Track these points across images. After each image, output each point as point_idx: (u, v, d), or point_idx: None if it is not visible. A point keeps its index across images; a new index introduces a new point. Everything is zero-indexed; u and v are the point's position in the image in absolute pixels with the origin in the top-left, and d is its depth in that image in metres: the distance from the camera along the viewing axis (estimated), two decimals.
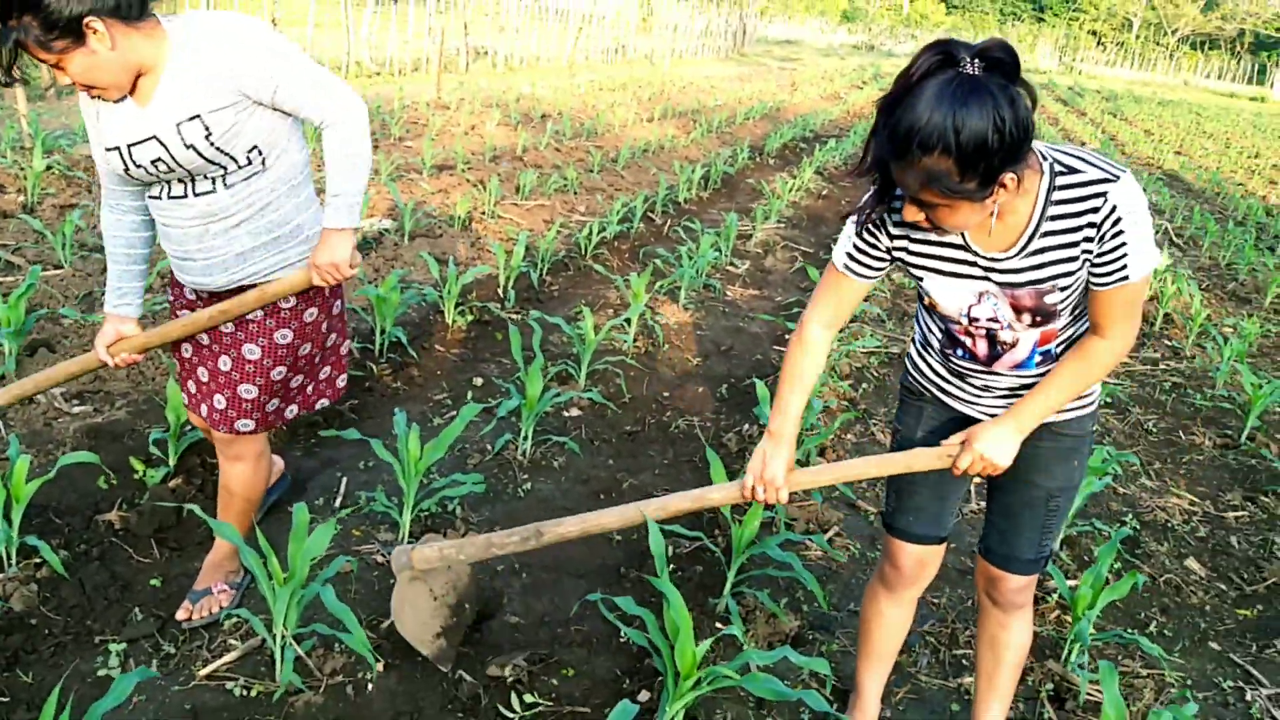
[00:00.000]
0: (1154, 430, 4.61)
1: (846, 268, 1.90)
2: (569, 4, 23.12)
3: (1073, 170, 1.68)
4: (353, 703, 2.25)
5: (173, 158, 2.08)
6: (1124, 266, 1.67)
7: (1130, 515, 3.68)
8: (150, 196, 2.23)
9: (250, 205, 2.20)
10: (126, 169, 2.13)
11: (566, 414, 3.95)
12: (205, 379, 2.38)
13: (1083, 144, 16.68)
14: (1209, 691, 2.73)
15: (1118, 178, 1.65)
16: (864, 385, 4.66)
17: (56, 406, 3.43)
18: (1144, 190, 10.74)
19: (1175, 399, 5.06)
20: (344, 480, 3.24)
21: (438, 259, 5.49)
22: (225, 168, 2.13)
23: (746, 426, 4.01)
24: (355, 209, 2.20)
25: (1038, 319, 1.78)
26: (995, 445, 1.84)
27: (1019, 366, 1.87)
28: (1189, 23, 63.44)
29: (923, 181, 1.55)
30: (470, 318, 4.83)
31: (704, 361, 4.83)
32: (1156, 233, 9.65)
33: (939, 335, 1.96)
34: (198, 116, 2.05)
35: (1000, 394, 1.94)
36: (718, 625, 2.70)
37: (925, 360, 2.05)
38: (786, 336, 5.32)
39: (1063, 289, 1.73)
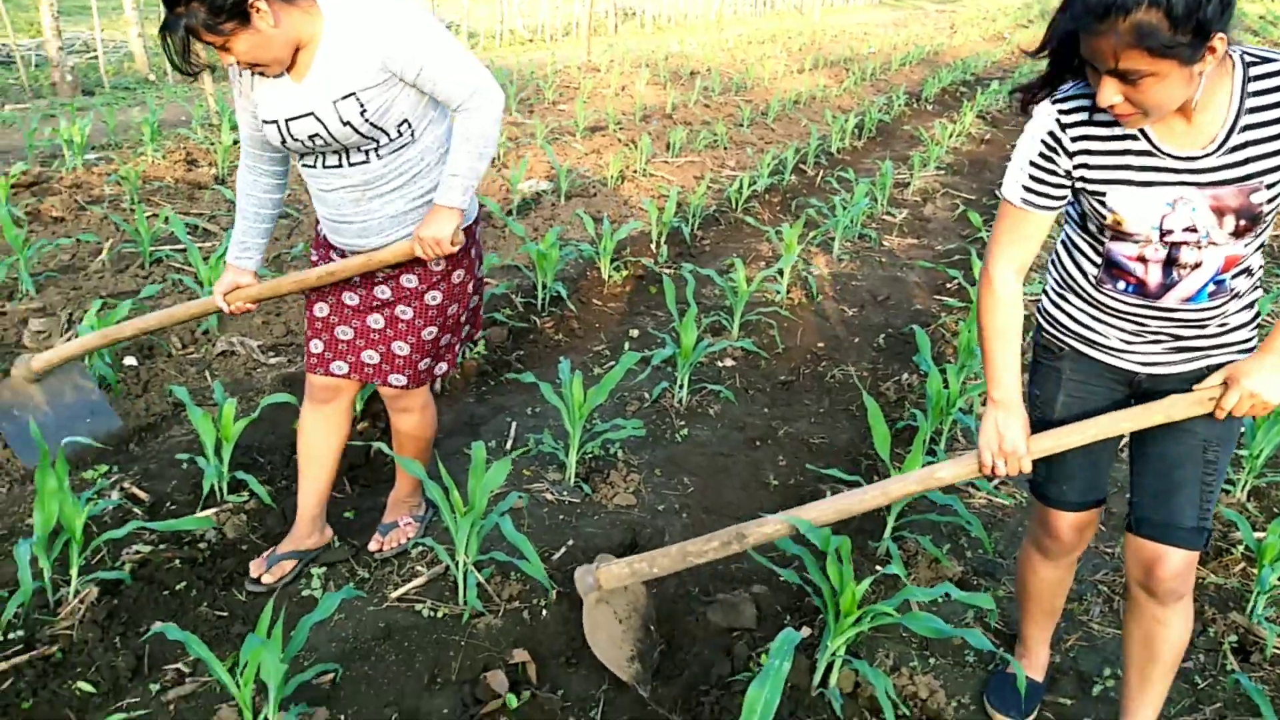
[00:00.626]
0: None
1: (1025, 202, 1.74)
2: None
3: (1266, 60, 1.55)
4: (529, 626, 2.40)
5: (329, 133, 2.15)
6: None
7: None
8: (304, 165, 2.30)
9: (402, 174, 2.26)
10: (283, 141, 2.20)
11: (720, 364, 4.00)
12: (349, 337, 2.45)
13: None
14: None
15: None
16: (1028, 333, 4.48)
17: (255, 358, 3.75)
18: None
19: None
20: (513, 424, 3.41)
21: (593, 217, 5.62)
22: (378, 141, 2.19)
23: (905, 376, 3.95)
24: (468, 192, 2.25)
25: (1241, 224, 1.61)
26: (1267, 380, 1.66)
27: (1190, 299, 1.69)
28: None
29: (1129, 42, 1.41)
30: (625, 272, 4.94)
31: (860, 311, 4.77)
32: None
33: (1095, 270, 1.78)
34: (353, 94, 2.11)
35: (1154, 338, 1.77)
36: (876, 568, 2.70)
37: (1065, 306, 1.87)
38: (948, 285, 5.18)
39: (1270, 185, 1.58)
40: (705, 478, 3.19)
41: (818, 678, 2.23)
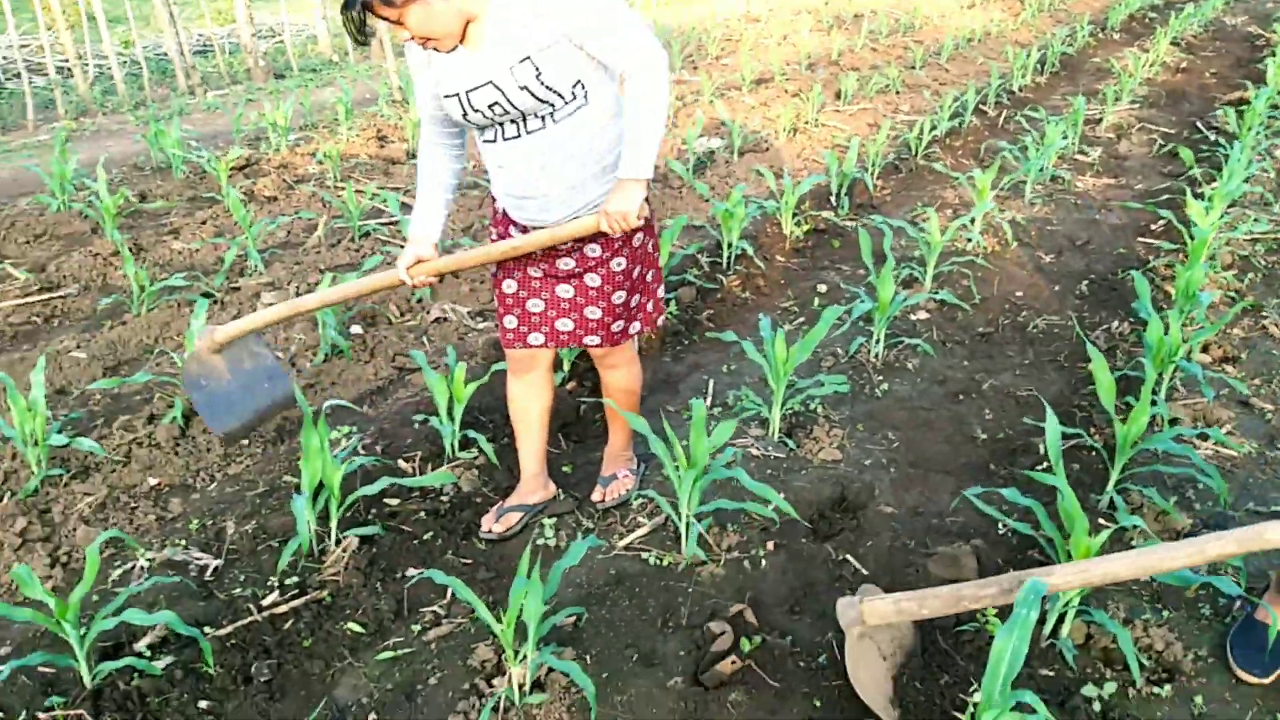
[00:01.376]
0: None
1: None
2: None
3: None
4: (749, 575, 2.49)
5: (508, 99, 2.19)
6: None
7: None
8: (485, 141, 2.34)
9: (577, 137, 2.27)
10: (465, 114, 2.25)
11: (914, 317, 3.95)
12: (540, 309, 2.52)
13: None
14: None
15: None
16: (1249, 275, 4.19)
17: (465, 324, 3.98)
18: None
19: None
20: (710, 381, 3.49)
21: (771, 172, 5.61)
22: (554, 104, 2.21)
23: (1115, 324, 3.79)
24: (650, 159, 2.23)
25: None
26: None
27: None
28: None
29: None
30: (806, 227, 4.91)
31: (1058, 258, 4.58)
32: None
33: None
34: (528, 58, 2.14)
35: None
36: (1100, 521, 2.64)
37: None
38: (1153, 226, 4.89)
39: None
40: (908, 432, 3.18)
41: (1048, 629, 2.22)
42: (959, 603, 1.95)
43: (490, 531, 2.71)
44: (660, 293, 2.71)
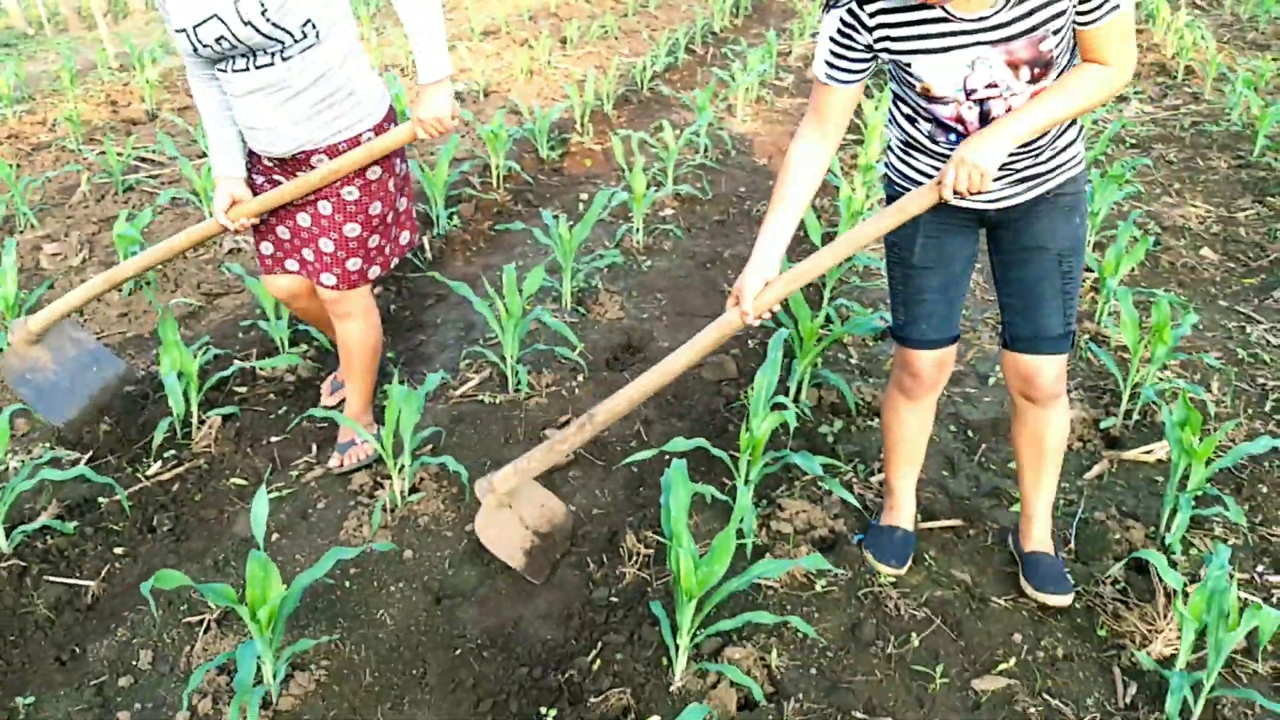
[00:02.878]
0: (1175, 160, 5.21)
1: (829, 77, 1.85)
2: None
3: None
4: (567, 400, 3.09)
5: (233, 34, 2.19)
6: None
7: (1152, 223, 4.34)
8: (219, 71, 2.34)
9: (306, 76, 2.28)
10: (195, 49, 2.26)
11: (662, 213, 4.67)
12: (287, 236, 2.55)
13: None
14: (1215, 331, 3.46)
15: None
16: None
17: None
18: None
19: (1194, 134, 5.62)
20: (511, 265, 4.02)
21: (514, 110, 6.14)
22: (283, 42, 2.21)
23: (818, 200, 4.70)
24: (445, 57, 2.27)
25: (1035, 71, 1.73)
26: (981, 148, 1.72)
27: None
28: None
29: None
30: (559, 150, 5.52)
31: (770, 161, 5.49)
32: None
33: (926, 126, 1.90)
34: None
35: (994, 175, 1.81)
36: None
37: (911, 161, 1.99)
38: None
39: (1056, 31, 1.69)
40: (672, 293, 3.89)
41: (789, 398, 2.99)
42: (553, 451, 2.25)
43: (324, 408, 2.92)
44: (404, 239, 2.71)
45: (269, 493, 2.67)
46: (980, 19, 1.68)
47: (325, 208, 2.48)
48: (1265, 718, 1.89)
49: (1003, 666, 2.04)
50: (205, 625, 2.20)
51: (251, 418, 3.04)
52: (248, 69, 2.27)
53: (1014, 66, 1.72)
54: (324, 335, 3.25)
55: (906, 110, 1.93)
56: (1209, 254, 4.08)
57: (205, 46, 2.24)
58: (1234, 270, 3.95)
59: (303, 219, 2.52)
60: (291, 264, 2.61)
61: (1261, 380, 3.12)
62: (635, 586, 2.30)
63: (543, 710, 1.96)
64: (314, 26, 2.24)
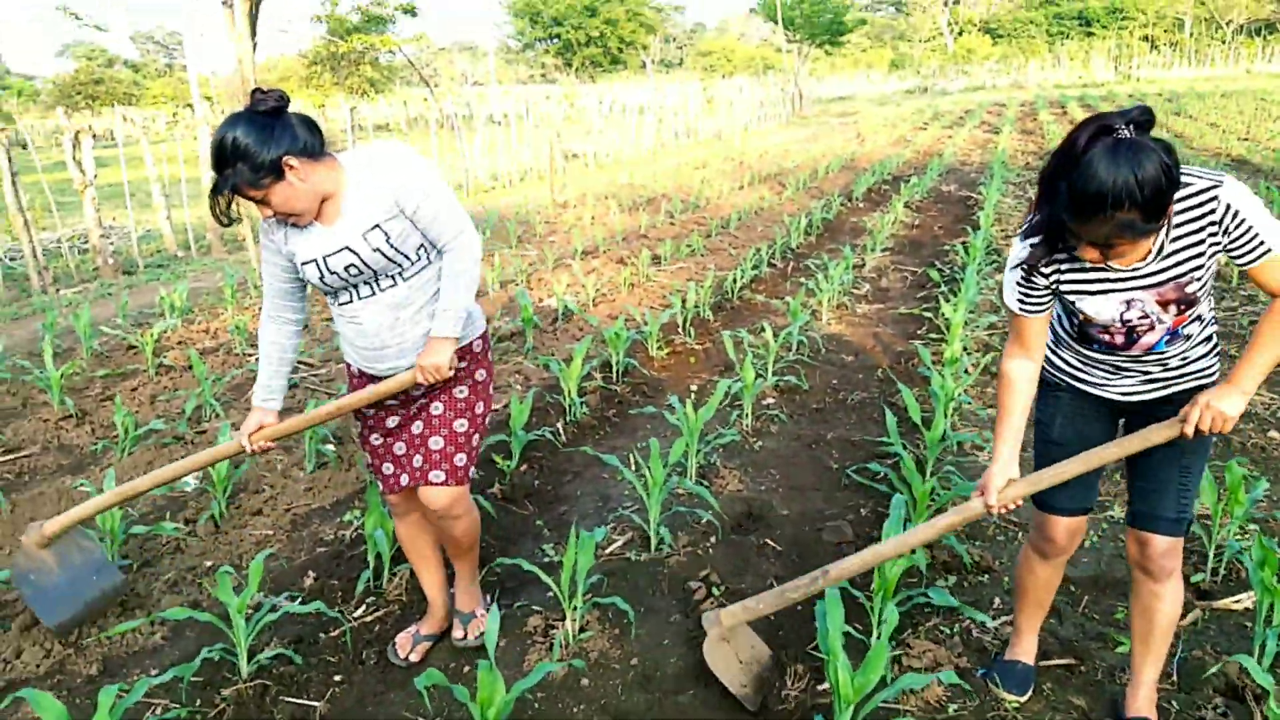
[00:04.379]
0: (1237, 354, 5.64)
1: (1024, 311, 2.22)
2: (637, 99, 25.17)
3: (1188, 185, 2.01)
4: (703, 558, 3.51)
5: (363, 261, 2.48)
6: (1263, 243, 1.99)
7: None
8: (340, 304, 2.59)
9: (425, 292, 2.59)
10: (322, 277, 2.51)
11: (766, 402, 5.21)
12: (404, 451, 2.74)
13: None
14: None
15: (1221, 183, 2.00)
16: (991, 352, 5.79)
17: None
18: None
19: (1251, 328, 6.08)
20: (637, 446, 4.56)
21: (636, 309, 6.88)
22: (402, 265, 2.52)
23: (896, 400, 5.22)
24: (459, 323, 2.56)
25: (1181, 306, 2.09)
26: (1226, 401, 2.05)
27: (1152, 349, 2.18)
28: (1243, 12, 62.99)
29: (1116, 231, 1.88)
30: (666, 350, 6.18)
31: (856, 357, 6.06)
32: None
33: (1074, 335, 2.28)
34: (377, 225, 2.46)
35: (1134, 373, 2.24)
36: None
37: (1060, 356, 2.37)
38: (913, 339, 6.51)
39: (1198, 279, 2.05)
40: (783, 469, 4.36)
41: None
42: (783, 597, 2.58)
43: (406, 660, 2.94)
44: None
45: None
46: (1134, 270, 2.06)
47: (437, 408, 2.68)
48: None
49: None
50: None
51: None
52: (374, 293, 2.55)
53: (1163, 304, 2.09)
54: (420, 573, 3.09)
55: (1067, 324, 2.32)
56: (1275, 435, 4.44)
57: (333, 274, 2.50)
58: None
59: (417, 427, 2.71)
60: (405, 478, 2.76)
61: None
62: (797, 703, 2.65)
63: None
64: (426, 250, 2.56)
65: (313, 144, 2.39)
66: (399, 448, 2.75)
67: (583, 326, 6.81)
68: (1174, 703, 2.58)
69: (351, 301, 2.57)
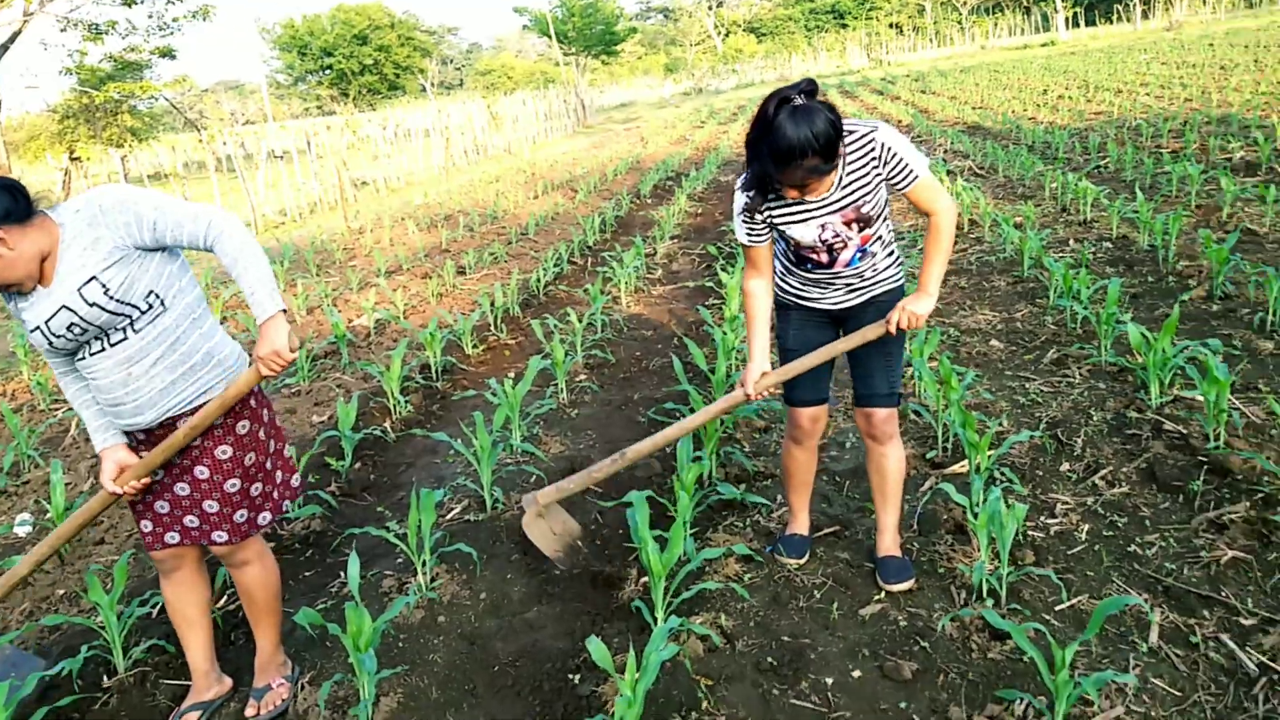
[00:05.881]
0: (966, 285, 6.64)
1: (752, 242, 2.82)
2: (422, 123, 25.25)
3: (851, 132, 2.61)
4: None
5: (82, 319, 2.35)
6: (910, 171, 2.62)
7: (953, 329, 5.64)
8: (79, 361, 2.48)
9: (161, 343, 2.43)
10: (50, 343, 2.40)
11: (578, 378, 5.72)
12: (166, 510, 2.62)
13: (898, 122, 19.36)
14: (1004, 391, 4.64)
15: (877, 128, 2.60)
16: None
17: None
18: (948, 141, 13.01)
19: (979, 265, 7.15)
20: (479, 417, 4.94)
21: (448, 313, 7.23)
22: (130, 316, 2.37)
23: (688, 358, 5.86)
24: (273, 293, 2.41)
25: (862, 225, 2.69)
26: (918, 304, 2.69)
27: (849, 263, 2.78)
28: None
29: (805, 174, 2.45)
30: (480, 348, 6.58)
31: (655, 331, 6.68)
32: (962, 170, 11.98)
33: (793, 261, 2.86)
34: (93, 278, 2.32)
35: (839, 286, 2.84)
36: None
37: (787, 283, 2.93)
38: (699, 306, 7.21)
39: (870, 202, 2.65)
40: (599, 431, 4.87)
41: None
42: (590, 476, 3.20)
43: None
44: (295, 482, 2.81)
45: None
46: (824, 199, 2.65)
47: (202, 472, 2.56)
48: (1042, 584, 2.86)
49: (877, 598, 2.96)
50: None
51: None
52: (104, 349, 2.42)
53: (848, 223, 2.69)
54: (184, 638, 2.83)
55: (784, 249, 2.92)
56: (997, 343, 5.36)
57: (59, 337, 2.39)
58: (1016, 352, 5.22)
59: (181, 489, 2.59)
60: (171, 536, 2.65)
61: (1038, 414, 4.27)
62: (629, 600, 3.15)
63: (571, 676, 2.76)
64: (157, 296, 2.42)
65: (18, 209, 2.28)
66: (160, 506, 2.63)
67: (397, 337, 7.10)
68: (915, 544, 3.26)
69: (85, 359, 2.46)
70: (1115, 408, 4.22)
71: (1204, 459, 3.55)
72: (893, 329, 2.75)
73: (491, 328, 7.00)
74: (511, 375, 5.93)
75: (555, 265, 9.01)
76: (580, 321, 5.99)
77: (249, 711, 2.75)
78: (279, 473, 2.75)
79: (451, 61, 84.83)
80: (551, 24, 41.54)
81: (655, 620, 2.84)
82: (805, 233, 2.73)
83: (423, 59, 63.77)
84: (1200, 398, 3.93)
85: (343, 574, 3.57)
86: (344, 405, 4.68)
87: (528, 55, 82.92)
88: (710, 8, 77.50)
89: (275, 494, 2.73)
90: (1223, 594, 2.82)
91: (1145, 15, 57.56)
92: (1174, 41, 33.85)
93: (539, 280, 8.20)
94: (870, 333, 2.82)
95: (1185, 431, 3.80)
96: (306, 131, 21.06)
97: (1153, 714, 2.39)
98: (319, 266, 10.84)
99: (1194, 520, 3.23)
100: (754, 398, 2.90)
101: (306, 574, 3.68)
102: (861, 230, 2.73)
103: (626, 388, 5.54)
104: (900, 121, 19.41)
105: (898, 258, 2.94)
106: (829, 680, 2.63)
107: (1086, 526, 3.29)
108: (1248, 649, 2.58)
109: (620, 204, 12.81)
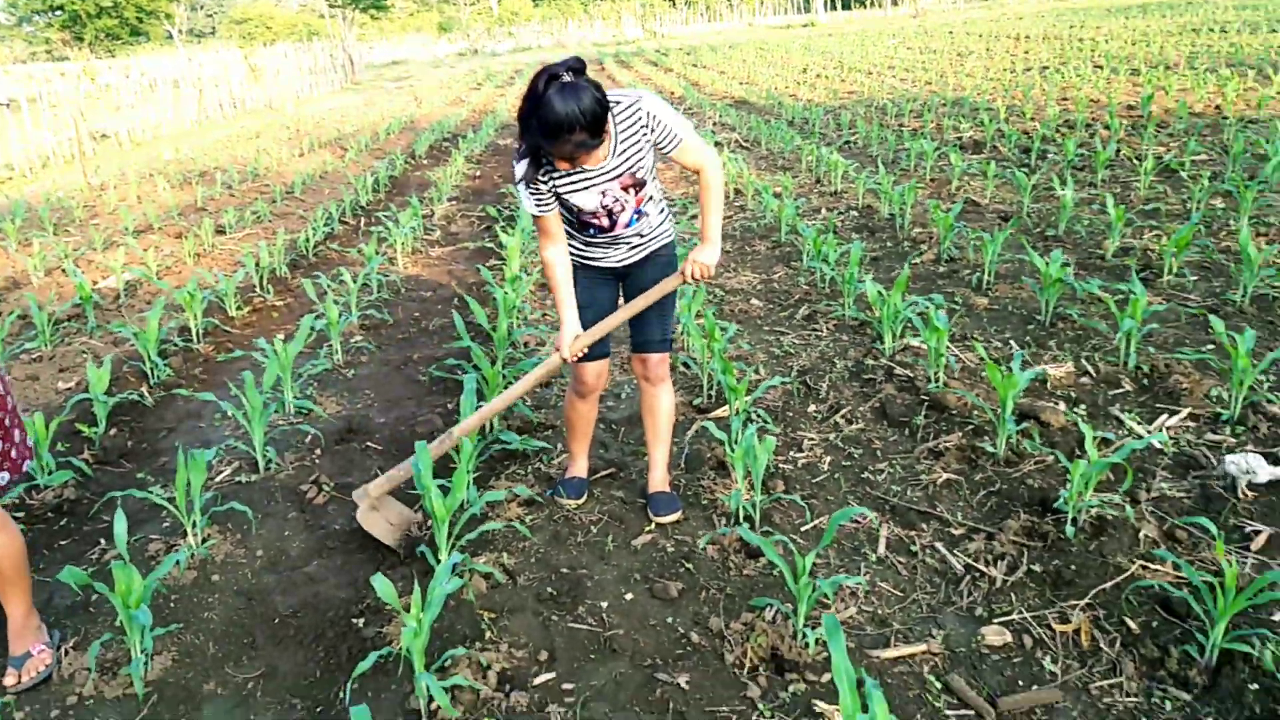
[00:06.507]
0: (730, 249, 7.08)
1: (540, 211, 2.89)
2: (171, 72, 23.28)
3: (618, 102, 2.76)
4: (314, 468, 3.91)
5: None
6: (675, 134, 2.81)
7: (718, 289, 6.02)
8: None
9: None
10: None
11: (354, 338, 5.62)
12: None
13: (671, 94, 19.97)
14: (762, 345, 5.04)
15: (641, 97, 2.78)
16: None
17: None
18: (717, 114, 13.63)
19: (743, 230, 7.63)
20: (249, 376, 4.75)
21: (197, 281, 6.82)
22: None
23: (470, 317, 5.92)
24: None
25: (636, 190, 2.87)
26: (704, 254, 2.94)
27: (628, 225, 2.96)
28: None
29: (574, 148, 2.56)
30: (246, 309, 6.30)
31: (434, 292, 6.65)
32: (729, 142, 12.59)
33: (576, 227, 3.00)
34: None
35: (621, 245, 3.02)
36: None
37: (574, 246, 3.07)
38: (480, 267, 7.25)
39: (643, 166, 2.83)
40: (377, 390, 4.84)
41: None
42: (406, 470, 3.17)
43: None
44: (29, 441, 2.76)
45: None
46: (601, 167, 2.80)
47: None
48: (790, 509, 3.21)
49: (648, 529, 3.21)
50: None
51: None
52: None
53: (625, 188, 2.87)
54: None
55: (569, 218, 3.02)
56: (756, 302, 5.79)
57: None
58: (774, 309, 5.66)
59: None
60: None
61: (790, 363, 4.69)
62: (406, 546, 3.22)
63: (354, 621, 2.81)
64: None
65: None
66: None
67: (150, 298, 6.66)
68: (683, 480, 3.53)
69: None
70: (855, 356, 4.71)
71: (926, 398, 4.06)
72: (689, 279, 2.98)
73: (257, 288, 6.71)
74: (282, 336, 5.73)
75: (326, 225, 8.70)
76: (355, 282, 5.87)
77: (8, 680, 2.63)
78: (16, 431, 2.63)
79: (202, 8, 78.17)
80: None
81: (439, 562, 2.93)
82: (587, 200, 2.87)
83: (169, 3, 58.48)
84: (924, 346, 4.45)
85: (104, 540, 3.40)
86: (95, 369, 4.38)
87: (289, 5, 77.88)
88: None
89: (14, 453, 2.63)
90: (938, 509, 3.28)
91: (895, 2, 62.22)
92: (919, 29, 36.84)
93: (308, 240, 7.91)
94: (669, 284, 3.04)
95: (911, 375, 4.31)
96: (34, 77, 18.89)
97: (879, 611, 2.77)
98: (56, 225, 9.86)
99: (916, 449, 3.70)
100: (570, 359, 3.01)
101: (63, 543, 3.46)
102: (636, 193, 2.91)
103: (406, 348, 5.52)
104: (673, 94, 20.02)
105: (668, 214, 3.17)
106: (604, 604, 2.84)
107: (828, 459, 3.69)
108: (955, 553, 3.02)
109: (394, 164, 12.49)
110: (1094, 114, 11.90)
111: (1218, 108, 11.45)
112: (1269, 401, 3.73)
